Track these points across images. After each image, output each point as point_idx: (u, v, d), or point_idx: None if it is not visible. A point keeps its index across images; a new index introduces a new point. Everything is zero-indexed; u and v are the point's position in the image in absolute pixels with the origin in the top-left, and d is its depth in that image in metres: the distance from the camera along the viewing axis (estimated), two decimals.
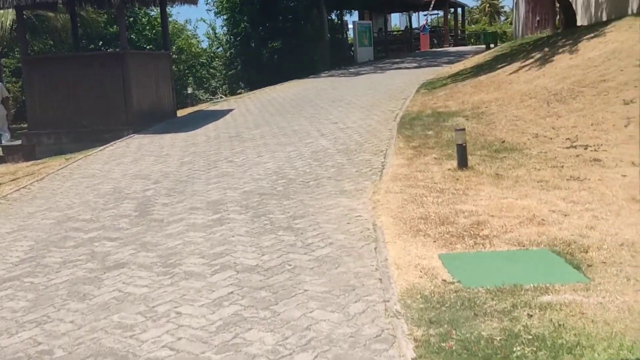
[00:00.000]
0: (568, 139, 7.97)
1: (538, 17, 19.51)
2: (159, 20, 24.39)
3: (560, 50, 12.51)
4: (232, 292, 3.89)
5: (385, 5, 31.45)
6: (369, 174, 7.33)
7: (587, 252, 4.19)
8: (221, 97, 24.46)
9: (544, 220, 4.93)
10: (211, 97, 25.62)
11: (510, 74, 12.64)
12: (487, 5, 73.87)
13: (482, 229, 4.84)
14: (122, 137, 11.16)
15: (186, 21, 27.22)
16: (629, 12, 15.15)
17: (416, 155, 8.00)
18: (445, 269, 4.05)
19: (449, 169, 7.06)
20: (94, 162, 9.46)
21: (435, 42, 34.78)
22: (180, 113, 15.26)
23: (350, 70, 22.73)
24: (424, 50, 31.73)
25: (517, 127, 8.95)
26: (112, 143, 10.84)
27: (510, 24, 59.27)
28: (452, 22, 37.51)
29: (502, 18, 73.90)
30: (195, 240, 5.15)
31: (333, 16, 29.99)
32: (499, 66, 14.22)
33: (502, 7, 77.55)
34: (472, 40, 40.65)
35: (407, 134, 9.36)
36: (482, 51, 23.13)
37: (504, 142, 8.30)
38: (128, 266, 4.61)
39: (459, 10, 38.27)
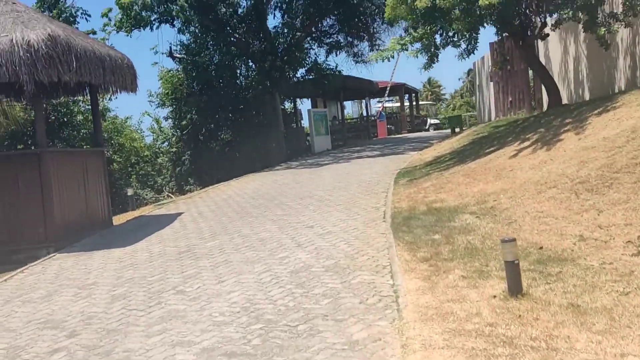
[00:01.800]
0: (629, 241, 6.05)
1: (510, 98, 18.27)
2: None
3: (562, 130, 10.88)
4: None
5: (341, 93, 30.22)
6: (380, 307, 5.16)
7: None
8: (169, 196, 22.17)
9: None
10: (157, 195, 23.27)
11: (507, 159, 10.90)
12: (430, 92, 75.08)
13: None
14: (39, 258, 8.73)
15: (127, 117, 24.97)
16: (616, 89, 13.93)
17: (434, 273, 5.92)
18: None
19: (495, 296, 4.98)
20: None
21: (393, 128, 33.65)
22: (119, 220, 12.89)
23: (309, 161, 20.90)
24: (382, 137, 30.45)
25: (550, 226, 7.01)
26: (23, 268, 8.34)
27: (453, 109, 59.65)
28: (408, 109, 36.68)
29: (444, 105, 75.08)
30: None
31: (286, 104, 28.53)
32: (487, 151, 12.53)
33: (444, 94, 79.21)
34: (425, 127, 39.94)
35: (407, 240, 7.31)
36: (448, 136, 21.79)
37: (541, 248, 6.33)
38: None
39: (413, 96, 37.59)
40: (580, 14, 11.15)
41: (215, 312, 5.49)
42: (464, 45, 12.71)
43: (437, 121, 34.25)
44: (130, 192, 15.36)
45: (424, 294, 5.31)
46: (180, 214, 11.88)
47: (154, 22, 20.93)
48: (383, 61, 13.38)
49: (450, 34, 13.08)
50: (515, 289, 4.91)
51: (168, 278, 6.90)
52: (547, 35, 13.73)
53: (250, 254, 7.61)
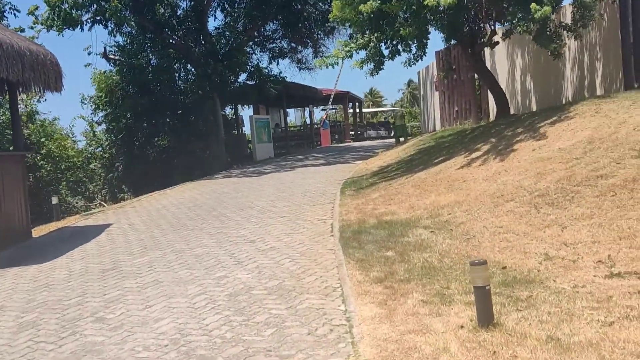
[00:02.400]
0: (600, 261, 5.60)
1: (456, 108, 17.97)
2: (22, 117, 20.92)
3: (514, 140, 10.52)
4: None
5: (284, 100, 29.48)
6: (331, 339, 4.49)
7: None
8: (101, 205, 20.93)
9: None
10: (88, 204, 21.96)
11: (458, 169, 10.45)
12: (371, 102, 75.45)
13: None
14: None
15: (55, 118, 23.57)
16: (563, 100, 13.79)
17: (390, 297, 5.29)
18: None
19: (463, 327, 4.39)
20: None
21: (337, 137, 33.13)
22: (41, 231, 11.76)
23: (250, 169, 20.09)
24: (325, 145, 29.87)
25: (511, 243, 6.52)
26: None
27: (392, 118, 59.83)
28: (352, 117, 36.26)
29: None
30: None
31: (227, 110, 27.61)
32: (436, 161, 12.07)
33: (385, 104, 79.72)
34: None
35: (358, 257, 6.69)
36: (392, 145, 21.41)
37: (505, 268, 5.81)
38: None
39: (357, 104, 37.20)
40: (532, 25, 10.82)
41: (139, 346, 4.69)
42: (414, 50, 12.22)
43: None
44: (55, 200, 14.12)
45: (382, 323, 4.67)
46: (108, 225, 10.91)
47: (85, 23, 19.64)
48: (327, 68, 12.77)
49: (395, 41, 12.59)
50: (485, 318, 4.32)
51: (87, 302, 6.02)
52: (497, 43, 13.44)
53: (183, 272, 6.81)
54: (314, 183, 13.94)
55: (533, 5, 10.22)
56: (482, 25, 13.26)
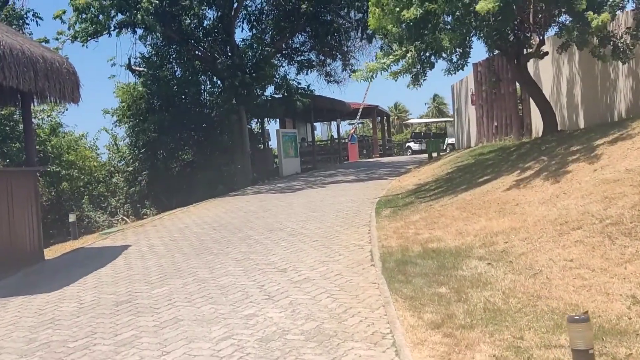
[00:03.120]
0: None
1: (496, 123, 16.99)
2: (45, 130, 20.45)
3: (570, 159, 9.56)
4: None
5: (311, 113, 28.68)
6: None
7: None
8: (123, 220, 20.29)
9: None
10: (110, 218, 21.32)
11: (507, 190, 9.51)
12: (396, 117, 74.48)
13: None
14: None
15: (82, 134, 23.16)
16: (615, 116, 12.77)
17: (453, 349, 4.40)
18: None
19: None
20: None
21: (365, 152, 32.24)
22: (55, 252, 11.03)
23: (278, 185, 19.29)
24: (353, 160, 29.01)
25: (588, 281, 5.56)
26: None
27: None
28: (380, 132, 35.37)
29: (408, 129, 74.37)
30: None
31: (253, 124, 26.93)
32: (480, 180, 11.15)
33: (409, 118, 78.62)
34: (395, 150, 38.81)
35: (407, 294, 5.80)
36: (424, 162, 20.50)
37: (586, 313, 4.85)
38: None
39: (385, 119, 36.28)
40: (591, 37, 9.90)
41: None
42: (455, 59, 11.36)
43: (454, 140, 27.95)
44: (72, 218, 13.34)
45: None
46: (127, 246, 10.13)
47: (112, 29, 19.04)
48: (365, 81, 11.94)
49: (428, 53, 11.73)
50: None
51: (95, 344, 5.20)
52: (546, 53, 12.49)
53: (207, 308, 5.97)
54: (346, 202, 13.09)
55: (589, 13, 9.31)
56: (528, 34, 12.31)
